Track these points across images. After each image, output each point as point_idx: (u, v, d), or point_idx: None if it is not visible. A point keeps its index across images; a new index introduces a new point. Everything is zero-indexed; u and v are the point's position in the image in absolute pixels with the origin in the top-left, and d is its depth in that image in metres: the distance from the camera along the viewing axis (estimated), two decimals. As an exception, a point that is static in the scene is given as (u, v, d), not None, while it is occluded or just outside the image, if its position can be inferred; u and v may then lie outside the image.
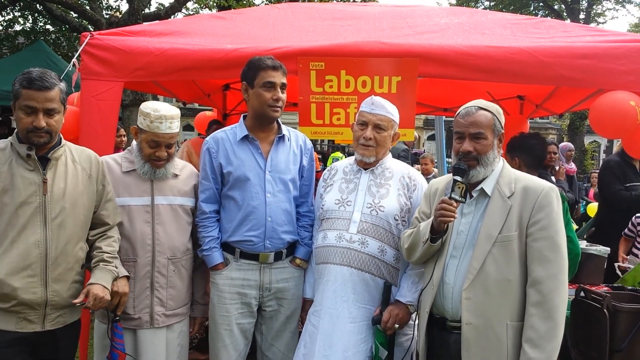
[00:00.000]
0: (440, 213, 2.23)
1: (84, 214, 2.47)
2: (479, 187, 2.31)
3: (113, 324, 2.58)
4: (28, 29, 15.19)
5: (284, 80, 2.79)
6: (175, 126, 2.70)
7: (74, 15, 11.28)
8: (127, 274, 2.61)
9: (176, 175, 2.84)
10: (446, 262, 2.33)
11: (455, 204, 2.23)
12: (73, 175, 2.44)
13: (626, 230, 4.65)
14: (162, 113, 2.63)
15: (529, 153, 3.34)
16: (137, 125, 2.71)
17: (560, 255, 2.16)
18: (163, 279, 2.74)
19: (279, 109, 2.78)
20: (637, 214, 4.64)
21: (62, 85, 2.36)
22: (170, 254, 2.76)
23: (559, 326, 2.12)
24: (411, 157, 8.24)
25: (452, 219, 2.23)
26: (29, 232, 2.29)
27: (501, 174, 2.32)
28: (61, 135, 2.47)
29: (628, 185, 5.08)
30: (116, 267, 2.52)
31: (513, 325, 2.18)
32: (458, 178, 2.25)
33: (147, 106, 2.67)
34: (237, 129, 2.86)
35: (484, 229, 2.24)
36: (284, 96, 2.79)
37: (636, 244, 4.57)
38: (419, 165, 8.34)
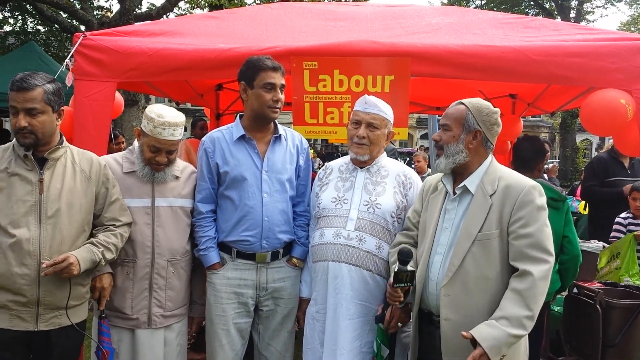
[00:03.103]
0: (388, 298, 2.40)
1: (82, 216, 2.47)
2: (461, 185, 2.32)
3: (98, 321, 2.59)
4: (18, 29, 15.09)
5: (283, 81, 2.80)
6: (179, 133, 2.68)
7: (65, 15, 11.21)
8: (110, 270, 2.62)
9: (177, 177, 2.82)
10: (431, 258, 2.35)
11: (400, 291, 2.34)
12: (71, 177, 2.45)
13: (613, 234, 4.45)
14: (166, 119, 2.60)
15: (514, 155, 3.39)
16: (141, 128, 2.69)
17: (541, 252, 2.14)
18: (162, 281, 2.74)
19: (278, 109, 2.79)
20: (618, 217, 4.52)
21: (50, 86, 2.34)
22: (170, 255, 2.75)
23: (534, 317, 2.07)
24: (403, 156, 8.29)
25: (398, 303, 2.39)
26: (23, 230, 2.30)
27: (487, 171, 2.32)
28: (63, 137, 2.49)
29: (610, 179, 5.07)
30: (102, 255, 2.45)
31: None
32: (396, 268, 2.31)
33: (153, 110, 2.63)
34: (233, 128, 2.86)
35: (465, 226, 2.26)
36: (283, 97, 2.80)
37: None
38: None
